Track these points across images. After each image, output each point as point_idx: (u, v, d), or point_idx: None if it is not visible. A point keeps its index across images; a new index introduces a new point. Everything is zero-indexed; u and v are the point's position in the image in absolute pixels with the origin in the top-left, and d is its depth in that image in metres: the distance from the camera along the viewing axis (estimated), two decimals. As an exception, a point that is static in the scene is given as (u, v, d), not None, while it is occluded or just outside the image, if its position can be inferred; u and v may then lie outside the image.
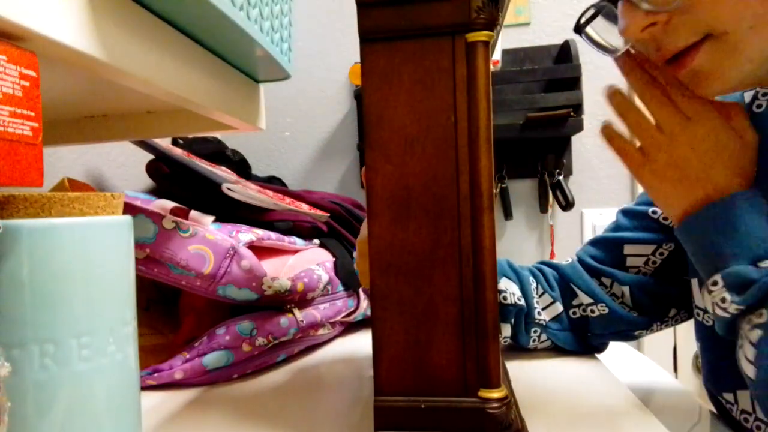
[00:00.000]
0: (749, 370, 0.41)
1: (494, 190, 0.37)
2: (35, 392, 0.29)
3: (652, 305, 0.59)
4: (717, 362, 0.52)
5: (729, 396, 0.51)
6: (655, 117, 0.45)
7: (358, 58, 0.51)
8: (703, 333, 0.54)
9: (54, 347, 0.29)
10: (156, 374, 0.57)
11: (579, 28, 0.48)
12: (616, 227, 0.63)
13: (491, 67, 0.39)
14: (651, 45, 0.44)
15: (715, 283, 0.43)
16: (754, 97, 0.48)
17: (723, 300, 0.42)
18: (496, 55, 1.32)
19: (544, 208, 1.41)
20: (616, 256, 0.61)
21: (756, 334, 0.40)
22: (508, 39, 1.41)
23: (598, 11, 0.48)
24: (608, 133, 0.49)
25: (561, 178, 1.35)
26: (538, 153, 1.37)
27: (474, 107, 0.36)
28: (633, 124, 0.47)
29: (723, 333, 0.43)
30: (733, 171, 0.43)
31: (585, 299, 0.60)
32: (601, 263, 0.62)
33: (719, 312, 0.43)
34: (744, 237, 0.41)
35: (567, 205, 1.33)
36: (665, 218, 0.59)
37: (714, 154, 0.43)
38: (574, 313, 0.62)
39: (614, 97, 0.48)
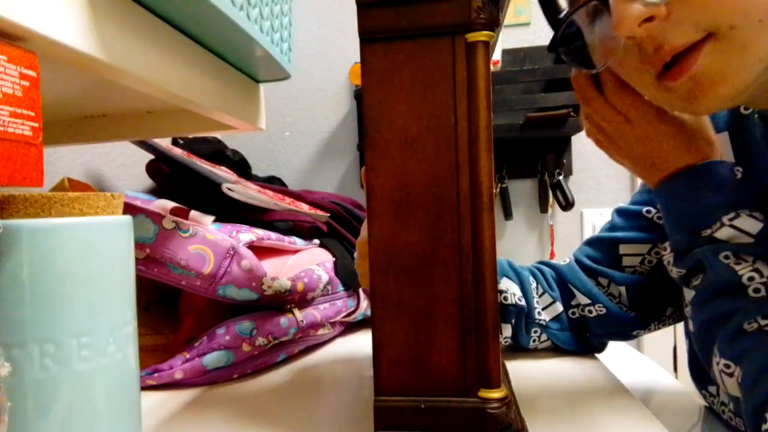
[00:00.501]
0: (690, 326, 0.48)
1: (494, 190, 0.37)
2: (35, 392, 0.29)
3: (649, 305, 0.59)
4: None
5: (713, 389, 0.53)
6: (603, 121, 0.50)
7: (358, 58, 0.51)
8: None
9: (54, 347, 0.29)
10: (156, 374, 0.57)
11: (554, 45, 0.46)
12: (611, 227, 0.64)
13: (491, 67, 0.39)
14: (648, 44, 0.40)
15: (665, 249, 0.51)
16: None
17: (669, 263, 0.50)
18: (496, 55, 1.32)
19: (544, 208, 1.41)
20: (612, 256, 0.61)
21: (690, 295, 0.48)
22: (508, 39, 1.41)
23: (571, 29, 0.45)
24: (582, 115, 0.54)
25: (561, 178, 1.35)
26: (538, 153, 1.37)
27: (474, 107, 0.36)
28: (590, 115, 0.50)
29: (681, 284, 0.51)
30: (683, 150, 0.47)
31: (583, 300, 0.61)
32: (597, 263, 0.62)
33: (671, 274, 0.51)
34: (684, 211, 0.47)
35: (567, 205, 1.34)
36: (659, 217, 0.59)
37: (658, 143, 0.48)
38: (573, 313, 0.62)
39: (578, 89, 0.50)
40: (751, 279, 0.43)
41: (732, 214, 0.45)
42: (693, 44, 0.38)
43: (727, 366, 0.43)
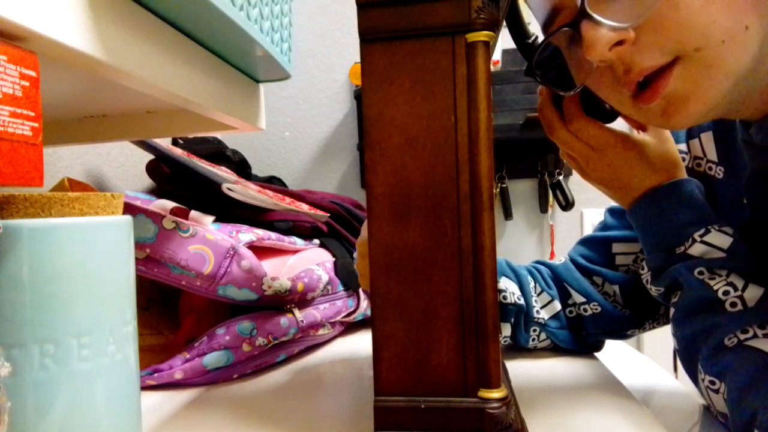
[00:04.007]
0: (674, 342, 0.49)
1: (494, 190, 0.37)
2: (35, 392, 0.29)
3: (643, 303, 0.60)
4: None
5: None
6: (570, 150, 0.52)
7: (358, 58, 0.52)
8: None
9: (54, 347, 0.29)
10: (156, 374, 0.57)
11: (531, 69, 0.47)
12: (604, 226, 0.64)
13: (491, 67, 0.39)
14: (619, 67, 0.41)
15: (642, 268, 0.52)
16: None
17: (647, 281, 0.52)
18: (496, 55, 1.32)
19: (544, 208, 1.41)
20: (605, 255, 0.62)
21: (671, 311, 0.49)
22: (508, 39, 1.41)
23: (550, 51, 0.46)
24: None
25: (561, 178, 1.35)
26: (538, 153, 1.37)
27: (474, 107, 0.36)
28: (561, 145, 0.52)
29: (661, 301, 0.52)
30: (650, 172, 0.49)
31: (578, 298, 0.61)
32: (591, 262, 0.62)
33: (651, 292, 0.52)
34: (657, 230, 0.49)
35: (567, 205, 1.33)
36: None
37: (624, 168, 0.50)
38: (570, 312, 0.62)
39: (544, 121, 0.52)
40: (726, 293, 0.44)
41: (702, 230, 0.46)
42: (662, 67, 0.39)
43: (713, 382, 0.44)
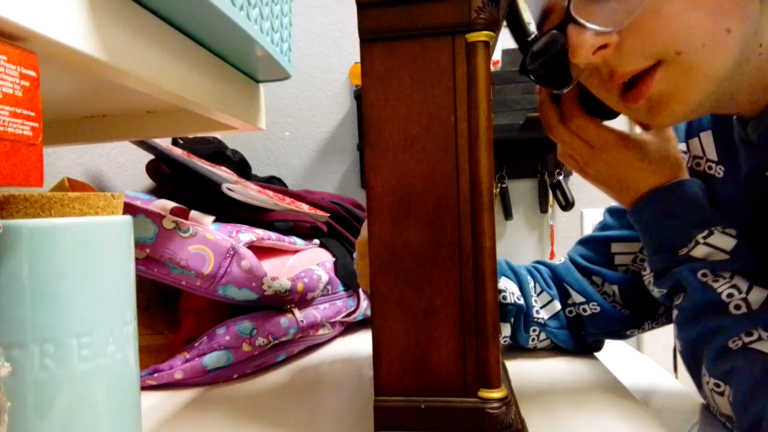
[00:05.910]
0: (677, 344, 0.49)
1: (494, 190, 0.37)
2: (35, 392, 0.29)
3: (642, 303, 0.60)
4: None
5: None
6: (569, 148, 0.51)
7: (358, 58, 0.52)
8: None
9: (54, 347, 0.29)
10: (156, 374, 0.57)
11: (525, 67, 0.48)
12: (603, 226, 0.64)
13: (491, 67, 0.39)
14: (604, 70, 0.42)
15: (644, 269, 0.52)
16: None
17: (650, 283, 0.52)
18: (496, 55, 1.32)
19: (544, 208, 1.41)
20: (604, 254, 0.62)
21: (674, 314, 0.49)
22: (508, 39, 1.41)
23: (544, 47, 0.47)
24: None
25: (561, 178, 1.35)
26: (538, 153, 1.37)
27: (474, 107, 0.36)
28: (561, 143, 0.52)
29: (664, 302, 0.52)
30: (650, 172, 0.49)
31: (578, 298, 0.61)
32: (590, 262, 0.62)
33: (654, 294, 0.52)
34: (659, 232, 0.49)
35: (567, 205, 1.33)
36: None
37: (625, 167, 0.49)
38: (570, 312, 0.62)
39: (543, 118, 0.52)
40: (730, 296, 0.44)
41: (705, 232, 0.46)
42: (645, 70, 0.40)
43: (717, 385, 0.43)
